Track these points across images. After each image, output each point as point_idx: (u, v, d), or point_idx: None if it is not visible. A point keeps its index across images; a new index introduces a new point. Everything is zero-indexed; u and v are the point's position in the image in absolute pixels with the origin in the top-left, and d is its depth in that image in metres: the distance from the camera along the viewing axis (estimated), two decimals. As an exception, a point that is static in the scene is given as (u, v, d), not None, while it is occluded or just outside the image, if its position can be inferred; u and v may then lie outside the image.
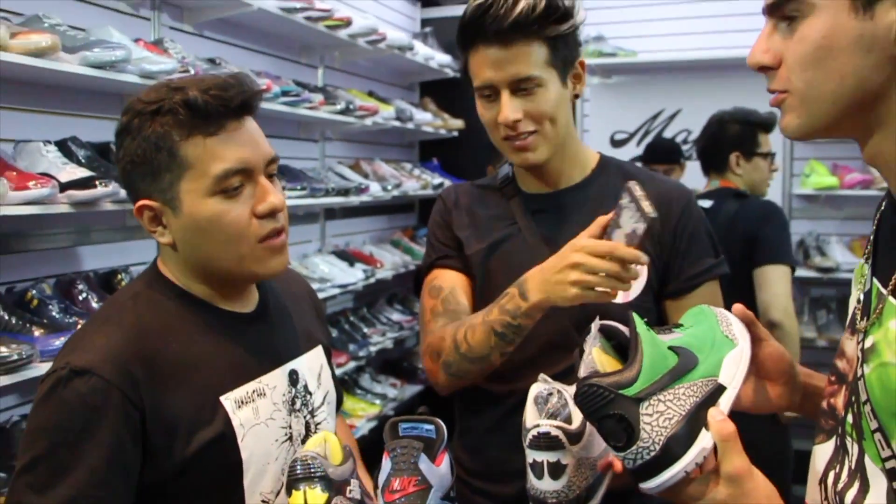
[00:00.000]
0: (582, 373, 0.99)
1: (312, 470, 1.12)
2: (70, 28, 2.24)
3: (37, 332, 2.05)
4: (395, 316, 4.30)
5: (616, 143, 5.03)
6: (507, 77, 1.43)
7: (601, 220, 1.31)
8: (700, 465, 0.92)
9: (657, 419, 0.92)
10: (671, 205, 1.51)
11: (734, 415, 0.96)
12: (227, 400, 1.19)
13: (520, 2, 1.39)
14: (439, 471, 1.21)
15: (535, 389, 1.21)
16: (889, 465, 0.82)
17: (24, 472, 1.08)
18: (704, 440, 0.92)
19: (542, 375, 1.24)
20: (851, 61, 0.82)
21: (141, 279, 1.28)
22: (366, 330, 3.97)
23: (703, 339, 1.03)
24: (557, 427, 1.13)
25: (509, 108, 1.43)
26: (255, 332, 1.28)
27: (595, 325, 1.06)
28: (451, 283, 1.59)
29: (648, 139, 4.86)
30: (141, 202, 1.20)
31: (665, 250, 1.51)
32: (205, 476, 1.16)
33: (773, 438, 2.77)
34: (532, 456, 1.14)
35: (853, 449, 0.89)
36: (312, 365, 1.36)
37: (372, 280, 3.84)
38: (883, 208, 0.94)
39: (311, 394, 1.33)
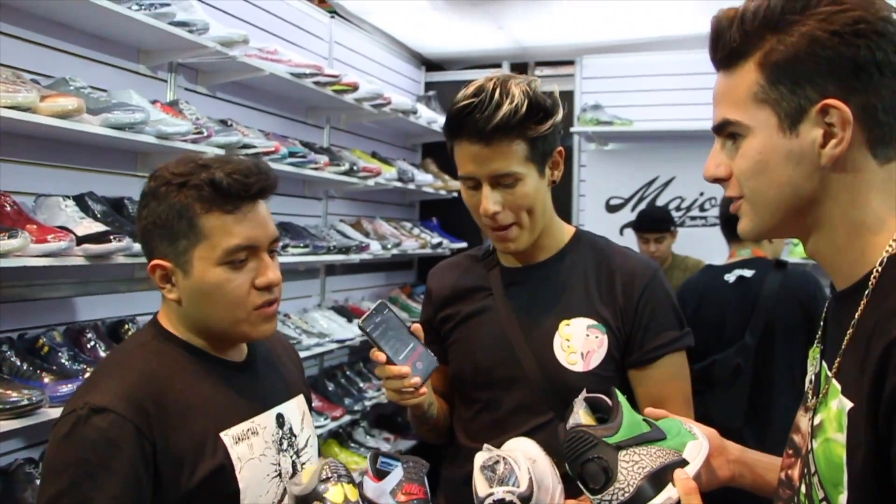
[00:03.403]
0: (568, 426, 1.14)
1: (341, 471, 1.27)
2: (93, 90, 2.38)
3: (46, 379, 2.13)
4: (391, 371, 4.34)
5: (611, 209, 5.14)
6: (488, 172, 1.52)
7: (377, 357, 1.47)
8: None
9: (632, 466, 1.07)
10: (634, 280, 1.61)
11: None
12: (226, 436, 1.32)
13: (503, 105, 1.47)
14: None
15: (480, 459, 1.34)
16: None
17: None
18: (671, 491, 1.06)
19: (486, 445, 1.37)
20: (785, 172, 0.95)
21: (144, 332, 1.42)
22: (361, 384, 4.04)
23: (670, 427, 1.18)
24: (510, 492, 1.26)
25: (490, 200, 1.52)
26: (246, 378, 1.42)
27: (582, 395, 1.21)
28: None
29: (643, 205, 4.98)
30: (156, 261, 1.34)
31: (627, 323, 1.60)
32: (206, 503, 1.28)
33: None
34: None
35: None
36: (296, 410, 1.49)
37: (369, 336, 3.90)
38: (830, 296, 1.05)
39: (295, 436, 1.46)
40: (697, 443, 1.17)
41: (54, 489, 1.19)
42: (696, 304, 2.92)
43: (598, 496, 1.06)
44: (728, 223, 3.12)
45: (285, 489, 1.38)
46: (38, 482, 2.14)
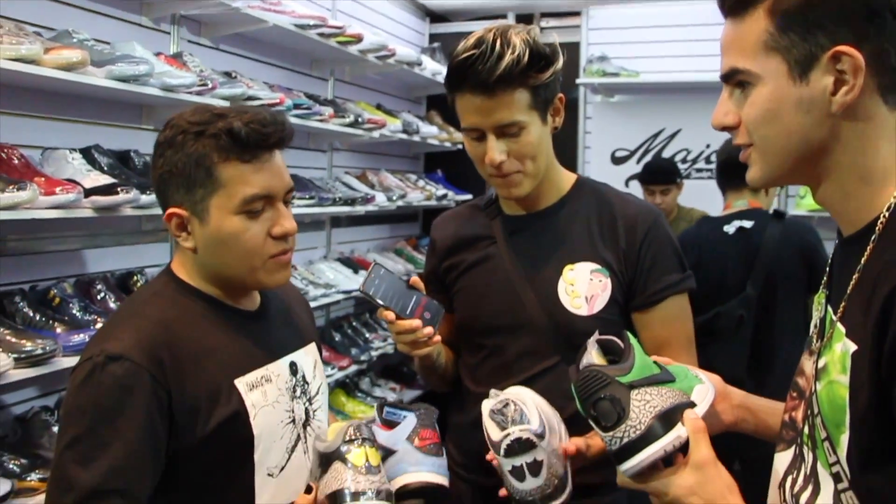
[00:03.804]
0: (581, 367, 1.17)
1: (365, 434, 1.30)
2: (97, 42, 2.38)
3: (59, 329, 2.17)
4: (397, 322, 4.39)
5: (617, 161, 5.13)
6: (493, 123, 1.53)
7: (386, 315, 1.50)
8: (672, 457, 1.09)
9: (644, 405, 1.10)
10: (636, 225, 1.63)
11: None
12: (241, 383, 1.34)
13: (505, 56, 1.47)
14: None
15: (488, 405, 1.37)
16: (834, 469, 0.94)
17: (67, 448, 1.22)
18: (680, 430, 1.09)
19: (492, 391, 1.41)
20: (795, 121, 0.95)
21: (159, 280, 1.44)
22: (368, 335, 4.08)
23: (678, 371, 1.21)
24: (525, 430, 1.30)
25: (495, 150, 1.54)
26: (259, 327, 1.44)
27: (594, 337, 1.23)
28: None
29: (648, 157, 4.97)
30: (172, 210, 1.35)
31: (630, 267, 1.63)
32: (221, 449, 1.31)
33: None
34: (511, 463, 1.30)
35: (808, 456, 1.00)
36: (308, 359, 1.52)
37: (375, 287, 3.93)
38: (837, 242, 1.06)
39: (308, 383, 1.48)
40: (704, 387, 1.21)
41: (73, 433, 1.23)
42: (696, 256, 2.91)
43: (610, 433, 1.09)
44: (724, 173, 3.08)
45: (298, 435, 1.41)
46: (54, 429, 2.20)
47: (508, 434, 1.29)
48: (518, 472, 1.29)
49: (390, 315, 1.48)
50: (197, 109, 1.36)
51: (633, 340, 1.19)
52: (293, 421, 1.41)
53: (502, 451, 1.29)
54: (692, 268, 2.84)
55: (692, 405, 1.14)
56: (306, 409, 1.45)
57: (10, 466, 2.06)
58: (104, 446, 1.22)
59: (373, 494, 1.23)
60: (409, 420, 1.43)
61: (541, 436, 1.30)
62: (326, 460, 1.29)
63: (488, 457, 1.37)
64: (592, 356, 1.18)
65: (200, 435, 1.29)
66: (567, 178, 1.72)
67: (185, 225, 1.35)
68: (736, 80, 0.99)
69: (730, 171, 2.99)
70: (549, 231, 1.66)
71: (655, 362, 1.19)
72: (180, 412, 1.27)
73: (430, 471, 1.38)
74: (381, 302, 1.47)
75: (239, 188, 1.31)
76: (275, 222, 1.35)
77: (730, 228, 2.95)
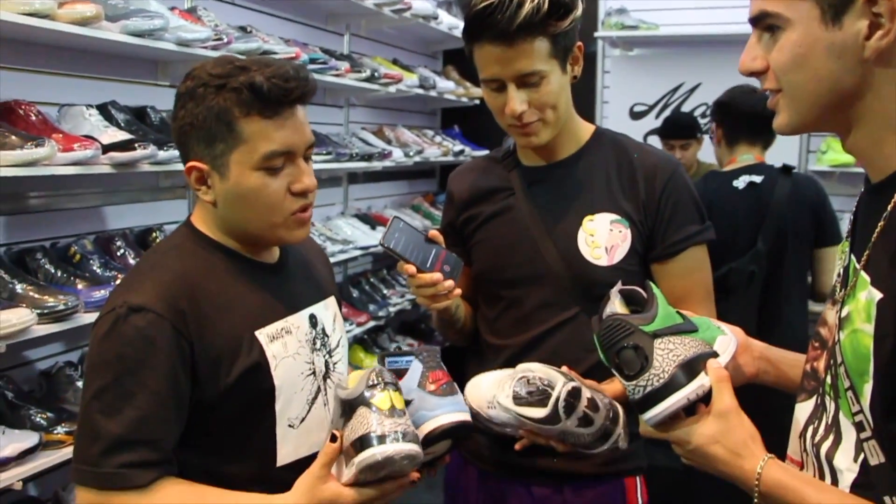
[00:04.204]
0: (604, 316, 1.17)
1: (387, 378, 1.30)
2: (111, -4, 2.36)
3: (80, 285, 2.19)
4: (415, 279, 4.41)
5: (635, 116, 5.07)
6: (513, 73, 1.51)
7: (406, 269, 1.49)
8: (695, 406, 1.09)
9: (667, 354, 1.10)
10: (656, 175, 1.62)
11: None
12: (262, 334, 1.35)
13: (525, 4, 1.45)
14: None
15: (508, 401, 1.41)
16: (857, 418, 0.94)
17: (93, 399, 1.24)
18: (703, 379, 1.09)
19: (498, 400, 1.44)
20: (825, 66, 0.93)
21: (178, 233, 1.43)
22: (385, 291, 4.10)
23: (700, 322, 1.20)
24: (564, 382, 1.34)
25: (516, 101, 1.52)
26: (279, 279, 1.44)
27: (617, 286, 1.23)
28: None
29: (668, 112, 4.89)
30: (192, 163, 1.34)
31: (650, 217, 1.62)
32: (243, 400, 1.32)
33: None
34: (575, 417, 1.36)
35: (830, 406, 1.00)
36: (328, 312, 1.52)
37: (392, 243, 3.94)
38: (862, 190, 1.05)
39: (328, 336, 1.49)
40: (727, 338, 1.20)
41: (98, 385, 1.24)
42: (707, 211, 2.89)
43: (633, 382, 1.10)
44: (743, 124, 2.99)
45: (319, 387, 1.42)
46: (78, 384, 2.24)
47: (558, 397, 1.31)
48: (584, 419, 1.32)
49: (411, 268, 1.48)
50: (219, 61, 1.33)
51: (655, 290, 1.19)
52: (313, 373, 1.42)
53: (562, 414, 1.31)
54: None
55: (715, 355, 1.14)
56: (326, 362, 1.46)
57: (37, 420, 2.10)
58: (129, 397, 1.23)
59: (400, 435, 1.23)
60: (415, 366, 1.43)
61: (573, 379, 1.33)
62: (349, 407, 1.29)
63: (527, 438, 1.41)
64: (615, 305, 1.17)
65: (222, 386, 1.30)
66: (586, 129, 1.70)
67: (205, 179, 1.34)
68: (765, 23, 0.97)
69: (750, 123, 2.94)
70: (568, 181, 1.65)
71: (678, 312, 1.19)
72: (202, 363, 1.28)
73: (449, 411, 1.38)
74: (401, 255, 1.47)
75: (260, 144, 1.29)
76: (295, 178, 1.33)
77: (739, 183, 2.91)
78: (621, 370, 1.11)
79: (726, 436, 1.05)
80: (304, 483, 1.25)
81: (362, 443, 1.23)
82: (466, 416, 1.41)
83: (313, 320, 1.45)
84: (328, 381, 1.45)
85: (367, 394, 1.27)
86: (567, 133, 1.65)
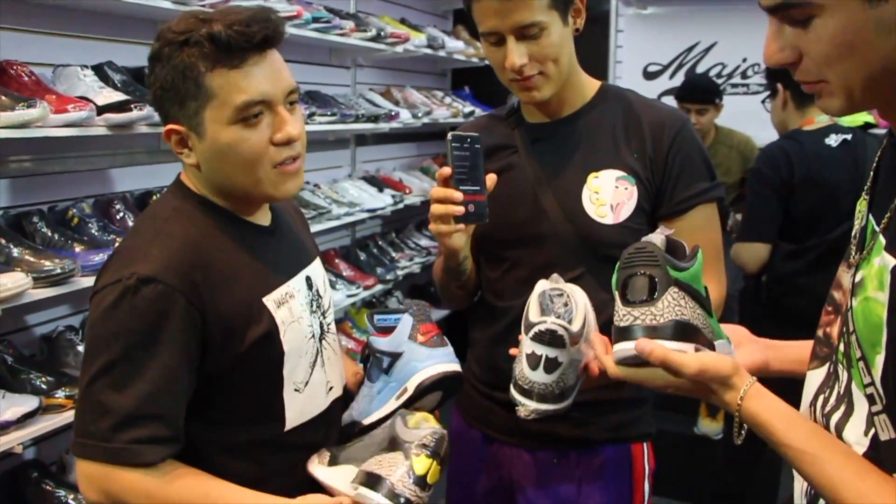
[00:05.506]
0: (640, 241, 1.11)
1: (442, 453, 1.26)
2: (105, -47, 2.31)
3: (77, 249, 2.17)
4: (423, 242, 4.38)
5: (649, 76, 4.98)
6: (512, 25, 1.46)
7: (443, 172, 1.46)
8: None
9: (674, 306, 1.05)
10: (663, 131, 1.57)
11: None
12: (269, 300, 1.32)
13: None
14: None
15: (542, 287, 1.32)
16: (868, 391, 0.89)
17: (101, 374, 1.20)
18: (688, 347, 1.04)
19: (554, 276, 1.37)
20: (876, 47, 0.83)
21: (175, 195, 1.37)
22: (394, 254, 4.07)
23: (713, 321, 1.14)
24: (563, 327, 1.24)
25: (515, 54, 1.48)
26: (275, 242, 1.41)
27: (667, 230, 1.16)
28: None
29: (682, 72, 4.82)
30: (170, 126, 1.29)
31: (657, 174, 1.57)
32: (253, 368, 1.30)
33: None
34: (532, 348, 1.25)
35: (843, 375, 0.95)
36: (318, 273, 1.49)
37: (400, 206, 3.91)
38: (884, 145, 0.99)
39: (321, 297, 1.46)
40: (727, 346, 1.15)
41: (106, 359, 1.20)
42: (805, 170, 2.80)
43: (628, 308, 1.05)
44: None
45: (317, 349, 1.40)
46: (79, 348, 2.23)
47: (545, 321, 1.24)
48: (533, 360, 1.25)
49: (447, 171, 1.44)
50: (183, 17, 1.28)
51: (700, 255, 1.12)
52: (313, 336, 1.40)
53: (531, 334, 1.25)
54: (802, 181, 2.79)
55: (710, 345, 1.09)
56: (321, 323, 1.43)
57: (38, 384, 2.09)
58: (140, 371, 1.20)
59: (396, 497, 1.20)
60: (405, 320, 1.40)
61: (574, 341, 1.25)
62: (394, 441, 1.27)
63: (512, 351, 1.33)
64: (655, 239, 1.11)
65: (234, 355, 1.27)
66: (591, 84, 1.65)
67: (185, 141, 1.29)
68: (790, 15, 0.86)
69: None
70: (573, 138, 1.61)
71: (707, 291, 1.13)
72: (214, 333, 1.25)
73: (440, 362, 1.37)
74: (453, 158, 1.44)
75: (230, 96, 1.23)
76: (276, 128, 1.27)
77: (831, 141, 2.83)
78: (624, 292, 1.06)
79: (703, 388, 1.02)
80: None
81: (374, 482, 1.21)
82: (457, 367, 1.39)
83: (309, 282, 1.43)
84: (324, 342, 1.43)
85: (415, 448, 1.24)
86: (571, 88, 1.61)
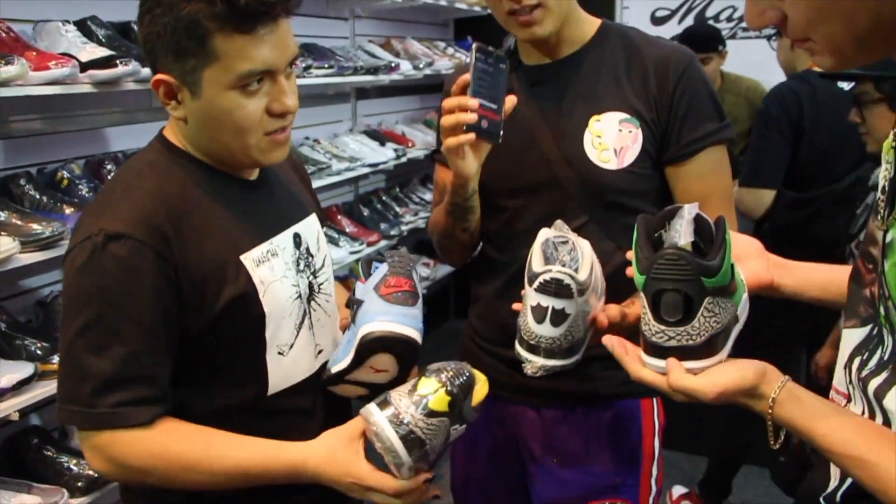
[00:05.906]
0: (666, 243, 1.01)
1: (456, 384, 1.19)
2: None
3: (67, 211, 2.12)
4: (428, 196, 4.30)
5: (657, 21, 4.84)
6: None
7: (462, 80, 1.37)
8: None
9: (709, 318, 0.97)
10: (668, 69, 1.49)
11: None
12: (247, 259, 1.26)
13: None
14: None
15: (545, 234, 1.24)
16: None
17: (77, 336, 1.15)
18: (721, 357, 1.00)
19: (558, 222, 1.30)
20: (858, 8, 0.78)
21: (152, 149, 1.31)
22: (398, 209, 4.01)
23: (735, 274, 1.06)
24: (570, 276, 1.17)
25: None
26: (260, 196, 1.35)
27: (696, 209, 1.04)
28: (443, 179, 1.65)
29: (691, 16, 4.68)
30: (160, 76, 1.21)
31: (663, 115, 1.49)
32: (231, 329, 1.25)
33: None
34: (538, 300, 1.18)
35: (888, 340, 0.89)
36: (311, 230, 1.42)
37: (403, 160, 3.84)
38: None
39: (312, 256, 1.39)
40: (745, 300, 1.08)
41: (81, 321, 1.16)
42: (816, 112, 2.69)
43: (662, 327, 0.98)
44: None
45: (305, 311, 1.34)
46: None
47: (550, 270, 1.17)
48: (539, 313, 1.18)
49: (467, 78, 1.36)
50: None
51: (729, 234, 1.02)
52: (299, 296, 1.34)
53: (536, 284, 1.18)
54: (813, 125, 2.68)
55: (737, 322, 1.04)
56: (310, 283, 1.37)
57: (33, 350, 2.07)
58: (117, 332, 1.15)
59: (397, 420, 1.15)
60: (380, 269, 1.30)
61: (581, 291, 1.18)
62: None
63: (516, 306, 1.27)
64: (682, 235, 1.00)
65: (208, 315, 1.22)
66: (591, 23, 1.57)
67: (175, 93, 1.22)
68: None
69: None
70: (574, 80, 1.53)
71: (732, 264, 1.04)
72: (187, 290, 1.20)
73: (392, 320, 1.23)
74: (475, 71, 1.36)
75: (236, 63, 1.16)
76: (274, 98, 1.21)
77: (844, 84, 2.70)
78: (656, 308, 0.99)
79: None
80: (333, 452, 1.20)
81: (383, 403, 1.17)
82: (411, 332, 1.24)
83: (297, 239, 1.36)
84: (313, 303, 1.37)
85: (430, 371, 1.19)
86: (571, 27, 1.52)
